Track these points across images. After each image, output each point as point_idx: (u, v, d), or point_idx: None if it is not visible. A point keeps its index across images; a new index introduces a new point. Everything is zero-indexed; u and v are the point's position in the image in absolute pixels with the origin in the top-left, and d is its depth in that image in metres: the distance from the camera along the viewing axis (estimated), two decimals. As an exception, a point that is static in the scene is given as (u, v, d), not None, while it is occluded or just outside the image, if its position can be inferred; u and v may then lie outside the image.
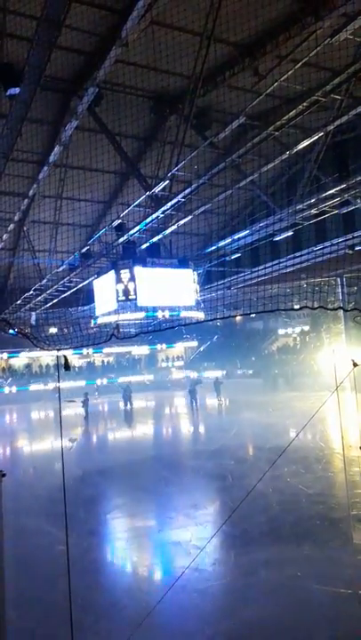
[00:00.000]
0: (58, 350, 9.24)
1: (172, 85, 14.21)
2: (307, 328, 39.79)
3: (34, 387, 39.08)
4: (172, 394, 36.21)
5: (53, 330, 26.66)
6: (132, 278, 17.61)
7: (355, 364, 6.47)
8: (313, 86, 12.20)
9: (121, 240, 17.61)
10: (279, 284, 20.93)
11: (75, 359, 42.01)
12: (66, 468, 6.08)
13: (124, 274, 17.73)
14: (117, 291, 17.80)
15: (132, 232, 16.91)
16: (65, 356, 7.21)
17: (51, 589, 6.69)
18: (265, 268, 19.77)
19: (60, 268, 20.25)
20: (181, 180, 15.01)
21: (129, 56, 12.14)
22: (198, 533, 8.58)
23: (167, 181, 14.28)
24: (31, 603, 6.45)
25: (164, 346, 47.18)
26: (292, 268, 19.93)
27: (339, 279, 26.71)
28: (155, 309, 18.85)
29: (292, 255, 19.52)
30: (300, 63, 11.82)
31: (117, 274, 17.83)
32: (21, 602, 6.10)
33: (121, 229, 17.23)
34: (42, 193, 17.68)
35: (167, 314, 19.02)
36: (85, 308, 25.07)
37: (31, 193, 16.05)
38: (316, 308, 14.78)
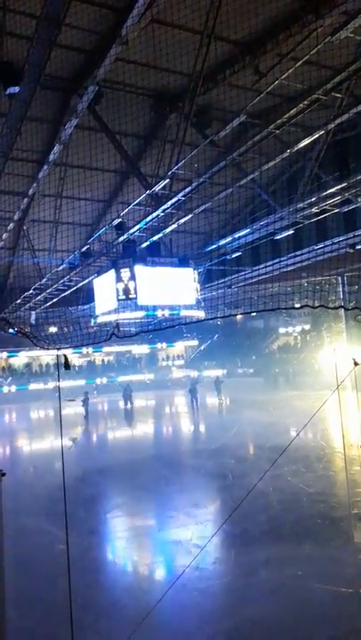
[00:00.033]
0: (58, 349, 9.22)
1: (172, 84, 14.17)
2: (308, 327, 39.81)
3: (33, 386, 39.09)
4: (173, 393, 36.21)
5: (53, 329, 26.61)
6: (133, 277, 17.58)
7: (356, 363, 6.45)
8: (314, 84, 12.16)
9: (121, 239, 17.58)
10: (280, 283, 20.87)
11: (75, 358, 42.02)
12: (66, 467, 6.06)
13: (125, 273, 17.69)
14: (118, 290, 17.77)
15: (132, 231, 16.88)
16: (65, 355, 7.19)
17: (51, 588, 6.68)
18: (266, 267, 19.75)
19: (60, 267, 20.22)
20: (182, 178, 14.97)
21: (129, 54, 12.09)
22: (199, 532, 8.58)
23: (167, 180, 14.25)
24: (31, 602, 6.44)
25: (164, 345, 47.19)
26: (292, 267, 19.92)
27: (340, 278, 26.70)
28: (155, 308, 18.82)
29: (292, 254, 19.50)
30: (300, 61, 11.77)
31: (118, 273, 17.79)
32: (21, 601, 6.10)
33: (121, 228, 17.20)
34: (42, 192, 17.63)
35: (167, 313, 18.98)
36: (85, 307, 25.04)
37: (31, 192, 16.01)
38: (317, 306, 14.81)
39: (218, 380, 29.36)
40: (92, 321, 21.25)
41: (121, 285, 17.72)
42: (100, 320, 20.31)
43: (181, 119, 14.00)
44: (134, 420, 25.37)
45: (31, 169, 16.79)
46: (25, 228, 20.84)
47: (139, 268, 17.65)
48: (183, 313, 19.30)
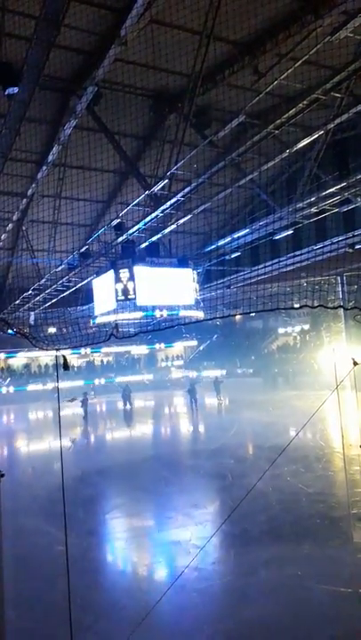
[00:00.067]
0: (56, 350, 9.20)
1: (171, 84, 14.17)
2: (307, 327, 39.80)
3: (32, 387, 39.05)
4: (172, 393, 36.18)
5: (52, 329, 26.59)
6: (132, 278, 17.57)
7: (355, 363, 6.46)
8: (313, 84, 12.17)
9: (120, 239, 17.57)
10: (279, 283, 20.87)
11: (74, 359, 41.98)
12: (65, 467, 6.05)
13: (124, 273, 17.68)
14: (117, 290, 17.76)
15: (131, 231, 16.87)
16: (64, 356, 7.17)
17: (50, 589, 6.67)
18: (265, 267, 19.74)
19: (59, 268, 20.21)
20: (181, 178, 14.98)
21: (128, 55, 12.08)
22: (198, 533, 8.57)
23: (166, 180, 14.25)
24: (30, 602, 6.43)
25: (163, 345, 47.15)
26: (292, 267, 19.92)
27: (339, 278, 26.72)
28: (153, 309, 18.81)
29: (292, 254, 19.49)
30: (300, 61, 11.78)
31: (117, 273, 17.78)
32: (21, 602, 6.08)
33: (120, 229, 17.19)
34: (40, 192, 17.63)
35: (165, 313, 18.97)
36: (84, 307, 25.03)
37: (30, 192, 16.02)
38: (317, 306, 14.80)
39: (217, 380, 29.35)
40: (91, 321, 21.25)
41: (120, 286, 17.71)
42: (98, 321, 20.30)
43: (180, 119, 14.00)
44: (133, 421, 25.35)
45: (30, 169, 16.78)
46: (24, 228, 20.82)
47: (138, 269, 17.64)
48: (182, 313, 19.29)
